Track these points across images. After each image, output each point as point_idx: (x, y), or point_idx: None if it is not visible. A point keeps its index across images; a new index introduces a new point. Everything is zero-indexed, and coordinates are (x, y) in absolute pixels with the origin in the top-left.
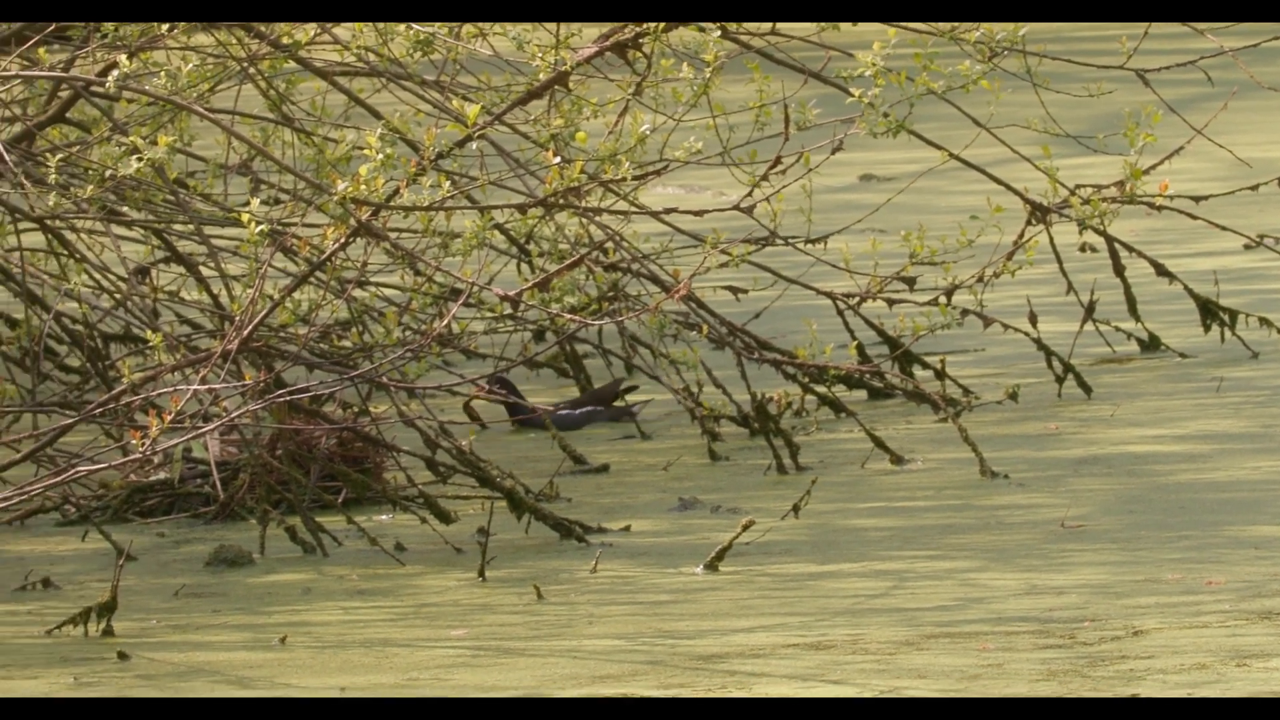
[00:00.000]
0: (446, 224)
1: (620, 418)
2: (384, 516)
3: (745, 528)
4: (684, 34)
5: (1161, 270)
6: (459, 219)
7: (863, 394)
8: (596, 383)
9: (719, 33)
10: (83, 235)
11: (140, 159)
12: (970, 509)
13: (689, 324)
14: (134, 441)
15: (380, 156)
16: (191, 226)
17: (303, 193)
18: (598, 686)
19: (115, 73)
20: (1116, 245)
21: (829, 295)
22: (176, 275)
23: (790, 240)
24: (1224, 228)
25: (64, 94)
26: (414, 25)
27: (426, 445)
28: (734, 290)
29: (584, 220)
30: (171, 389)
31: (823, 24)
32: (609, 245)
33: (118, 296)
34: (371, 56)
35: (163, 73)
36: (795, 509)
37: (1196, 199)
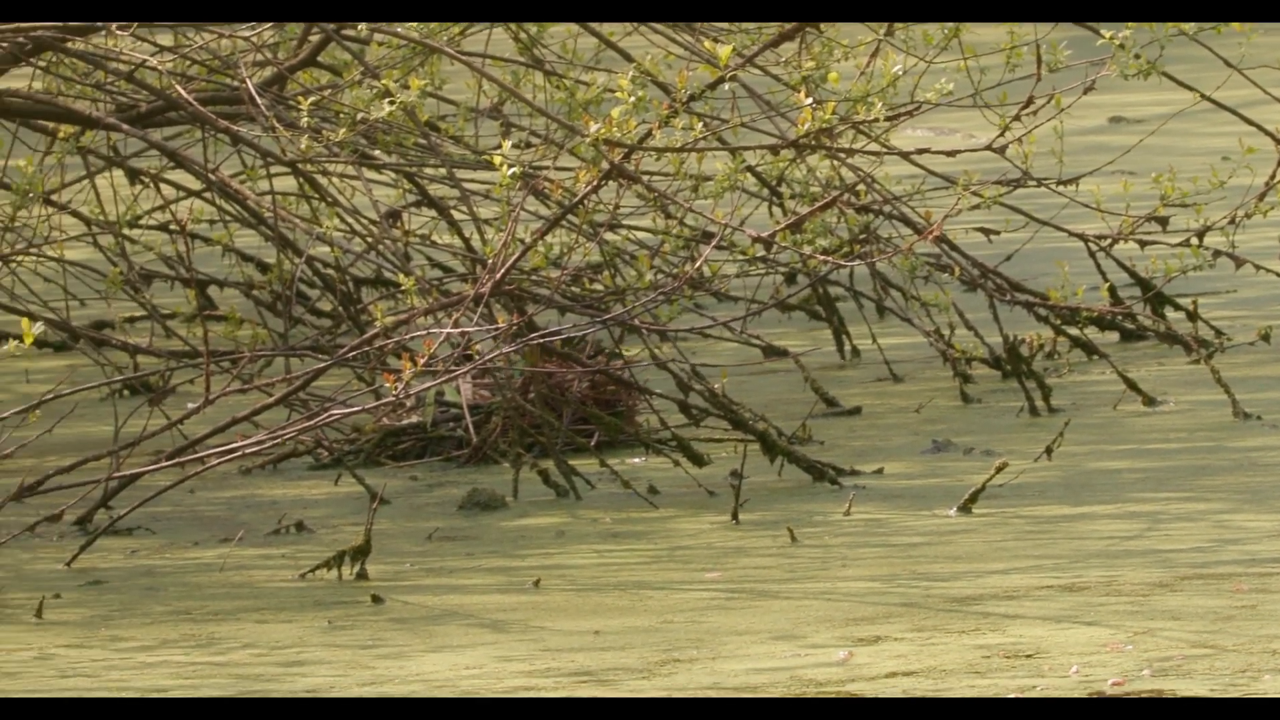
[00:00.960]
0: (698, 167)
1: None
2: (637, 459)
3: (999, 470)
4: None
5: None
6: (710, 161)
7: (1115, 336)
8: (850, 324)
9: None
10: (334, 179)
11: (392, 102)
12: (1223, 451)
13: (941, 266)
14: (387, 385)
15: (632, 99)
16: (443, 170)
17: (554, 136)
18: (851, 629)
19: None
20: None
21: (1081, 237)
22: (428, 219)
23: (1042, 181)
24: None
25: (315, 38)
26: None
27: (679, 388)
28: (986, 232)
29: (835, 162)
30: (424, 333)
31: None
32: (860, 187)
33: (369, 240)
34: None
35: None
36: (1048, 451)
37: None
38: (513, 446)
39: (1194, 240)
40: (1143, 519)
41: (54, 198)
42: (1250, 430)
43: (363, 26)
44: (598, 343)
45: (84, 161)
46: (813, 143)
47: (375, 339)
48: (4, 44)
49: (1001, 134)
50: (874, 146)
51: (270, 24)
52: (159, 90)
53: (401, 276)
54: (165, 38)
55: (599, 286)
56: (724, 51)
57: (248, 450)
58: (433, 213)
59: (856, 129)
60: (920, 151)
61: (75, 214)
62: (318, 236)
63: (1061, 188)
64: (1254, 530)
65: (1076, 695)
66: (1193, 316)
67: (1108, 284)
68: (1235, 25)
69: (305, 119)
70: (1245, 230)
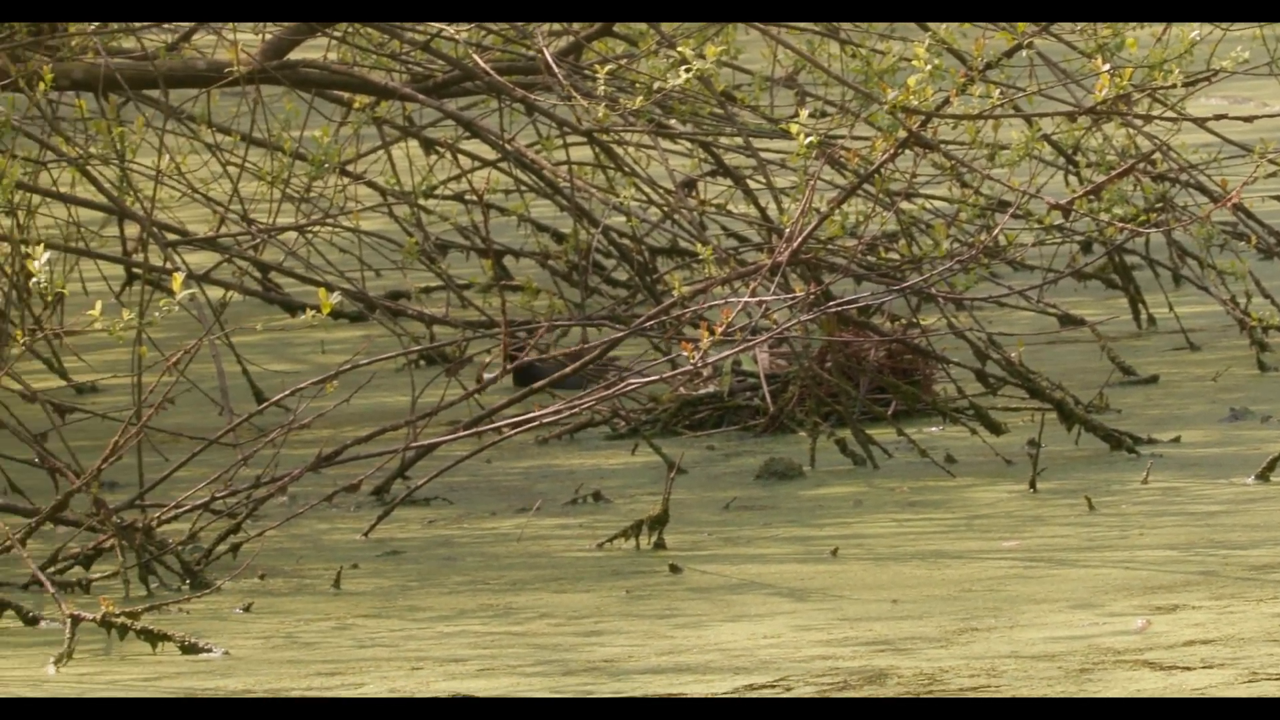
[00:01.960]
0: (994, 135)
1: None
2: (934, 428)
3: None
4: None
5: None
6: (1006, 130)
7: None
8: (1146, 293)
9: None
10: (630, 148)
11: (688, 71)
12: None
13: (1237, 234)
14: (684, 354)
15: (928, 67)
16: (739, 139)
17: (850, 104)
18: (1149, 597)
19: None
20: None
21: None
22: (724, 188)
23: None
24: None
25: None
26: None
27: (976, 356)
28: None
29: (1131, 130)
30: (721, 302)
31: None
32: (1157, 155)
33: (665, 210)
34: None
35: None
36: None
37: None
38: (810, 415)
39: None
40: None
41: (349, 168)
42: None
43: None
44: (894, 312)
45: (379, 132)
46: (1109, 110)
47: (672, 308)
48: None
49: None
50: (1170, 114)
51: None
52: (455, 60)
53: (698, 246)
54: None
55: (895, 255)
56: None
57: (545, 420)
58: (728, 182)
59: (1153, 96)
60: (1217, 118)
61: (371, 184)
62: (614, 206)
63: None
64: None
65: None
66: None
67: None
68: None
69: (601, 88)
70: None
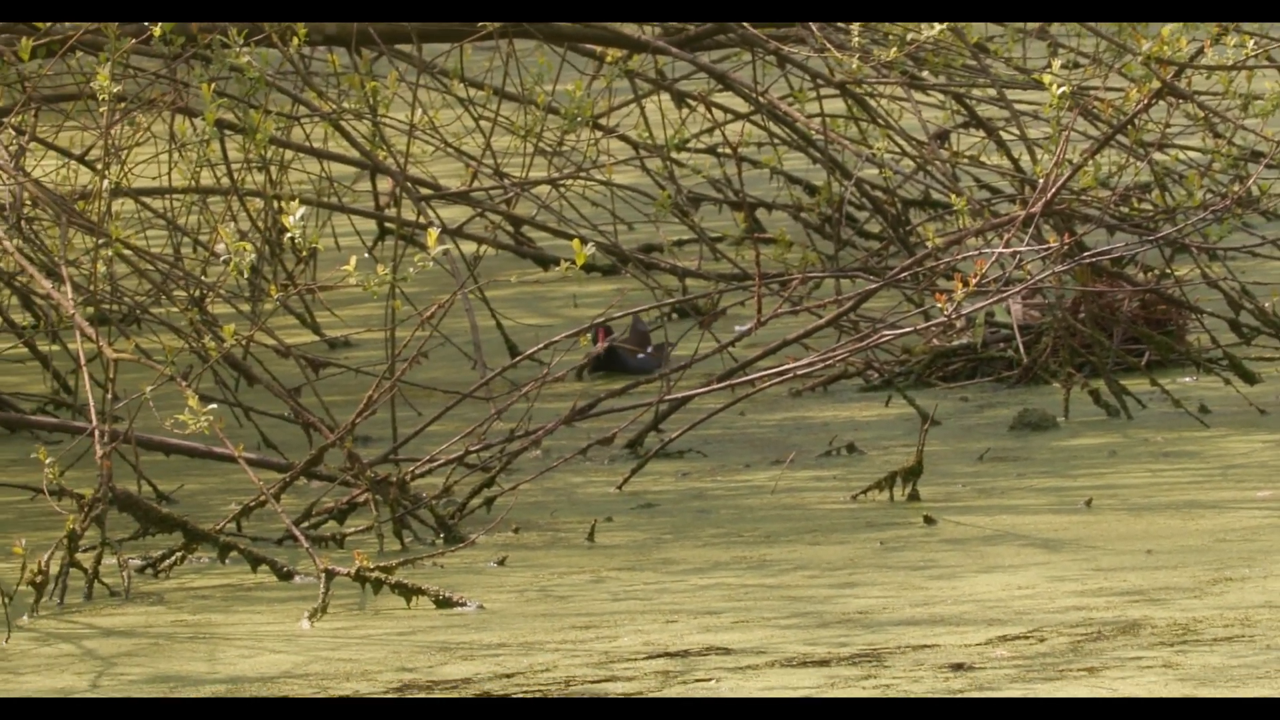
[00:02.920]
0: (1247, 85)
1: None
2: (1187, 379)
3: None
4: None
5: None
6: (1259, 80)
7: None
8: None
9: None
10: (883, 100)
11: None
12: None
13: None
14: (937, 306)
15: None
16: (992, 90)
17: (1104, 55)
18: None
19: None
20: None
21: None
22: (976, 140)
23: None
24: None
25: None
26: None
27: (1230, 306)
28: None
29: None
30: (974, 253)
31: None
32: None
33: (918, 161)
34: None
35: None
36: None
37: None
38: (1063, 366)
39: None
40: None
41: (602, 122)
42: None
43: None
44: (1147, 262)
45: (631, 85)
46: None
47: (925, 260)
48: None
49: None
50: None
51: None
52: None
53: (952, 197)
54: None
55: (1148, 206)
56: None
57: (798, 372)
58: (981, 133)
59: None
60: None
61: (623, 138)
62: (867, 158)
63: None
64: None
65: None
66: None
67: None
68: None
69: (855, 40)
70: None
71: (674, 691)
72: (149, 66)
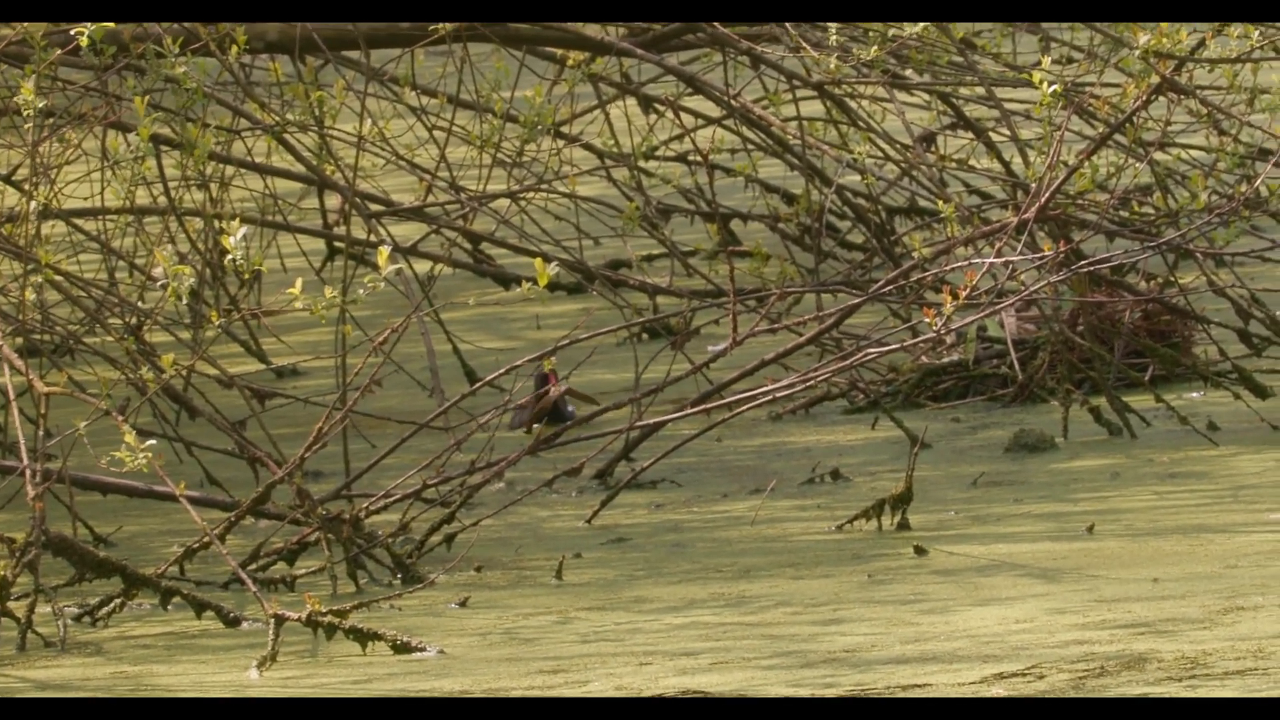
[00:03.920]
0: (1253, 79)
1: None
2: (1195, 394)
3: None
4: None
5: None
6: (1266, 73)
7: None
8: None
9: None
10: (864, 102)
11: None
12: None
13: None
14: (925, 321)
15: None
16: (980, 89)
17: (1098, 49)
18: None
19: None
20: None
21: None
22: (965, 142)
23: None
24: None
25: None
26: None
27: (1239, 315)
28: None
29: None
30: (964, 263)
31: None
32: None
33: (903, 166)
34: None
35: None
36: None
37: None
38: (1061, 383)
39: None
40: None
41: (564, 129)
42: None
43: None
44: (1150, 270)
45: (595, 90)
46: None
47: (912, 272)
48: None
49: None
50: None
51: None
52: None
53: (939, 204)
54: None
55: (1150, 210)
56: None
57: (778, 394)
58: (970, 135)
59: None
60: None
61: (587, 146)
62: (848, 164)
63: None
64: None
65: None
66: None
67: None
68: None
69: (833, 37)
70: None
71: None
72: (78, 79)
